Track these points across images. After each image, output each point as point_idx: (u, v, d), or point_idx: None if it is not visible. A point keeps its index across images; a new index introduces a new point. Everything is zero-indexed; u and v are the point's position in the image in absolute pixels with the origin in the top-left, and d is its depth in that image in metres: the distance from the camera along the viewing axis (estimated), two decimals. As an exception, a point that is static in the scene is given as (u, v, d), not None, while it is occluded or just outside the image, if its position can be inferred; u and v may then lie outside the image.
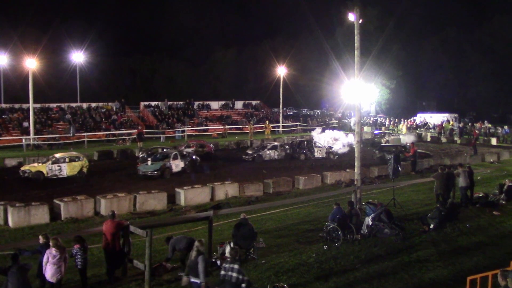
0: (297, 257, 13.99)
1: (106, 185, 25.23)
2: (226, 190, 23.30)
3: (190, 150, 33.27)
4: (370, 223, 16.15)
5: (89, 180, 26.97)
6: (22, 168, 27.36)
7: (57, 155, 28.42)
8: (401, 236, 15.66)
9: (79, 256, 11.63)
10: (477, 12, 71.70)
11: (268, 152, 34.61)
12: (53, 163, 27.32)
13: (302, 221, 18.68)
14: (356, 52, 18.97)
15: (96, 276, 12.74)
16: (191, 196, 21.98)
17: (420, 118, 61.71)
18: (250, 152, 34.98)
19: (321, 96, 71.60)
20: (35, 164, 27.97)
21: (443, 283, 12.20)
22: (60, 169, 27.38)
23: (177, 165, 28.81)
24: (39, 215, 18.63)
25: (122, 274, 12.70)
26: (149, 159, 28.78)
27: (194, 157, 30.87)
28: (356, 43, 18.89)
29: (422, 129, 55.13)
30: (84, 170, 28.12)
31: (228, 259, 10.58)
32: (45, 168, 26.99)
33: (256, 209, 19.77)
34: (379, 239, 15.64)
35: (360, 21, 19.05)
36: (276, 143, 37.49)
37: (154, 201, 21.09)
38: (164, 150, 31.50)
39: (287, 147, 36.64)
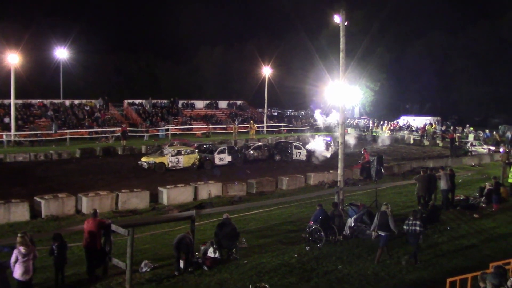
0: (279, 257, 14.03)
1: (88, 183, 24.98)
2: (209, 189, 23.21)
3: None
4: (353, 224, 16.27)
5: (70, 177, 26.69)
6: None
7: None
8: (382, 238, 15.78)
9: (56, 253, 11.49)
10: (461, 16, 72.43)
11: (251, 152, 34.50)
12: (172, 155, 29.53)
13: (285, 221, 18.72)
14: (341, 54, 19.08)
15: (77, 274, 12.63)
16: (174, 195, 21.87)
17: (403, 120, 62.24)
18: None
19: (306, 97, 71.76)
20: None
21: (423, 284, 12.34)
22: (178, 161, 29.57)
23: (221, 158, 31.46)
24: (19, 212, 18.35)
25: (103, 273, 12.60)
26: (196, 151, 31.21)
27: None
28: (342, 45, 18.99)
29: (405, 132, 55.60)
30: (196, 162, 30.28)
31: (411, 217, 13.77)
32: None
33: (239, 209, 19.77)
34: (361, 240, 15.76)
35: (346, 23, 19.16)
36: (259, 144, 37.33)
37: (137, 199, 20.92)
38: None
39: (269, 146, 36.45)
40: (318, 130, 53.14)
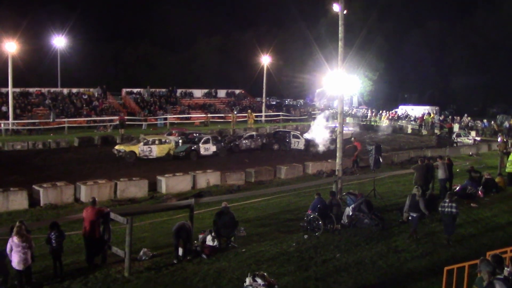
0: (278, 246, 14.08)
1: (86, 172, 24.98)
2: (208, 178, 23.25)
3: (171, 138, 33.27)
4: (351, 213, 16.31)
5: (69, 166, 26.69)
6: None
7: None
8: (380, 227, 15.86)
9: (54, 241, 11.52)
10: (459, 6, 72.22)
11: (244, 142, 34.24)
12: (144, 144, 29.37)
13: (283, 210, 18.79)
14: (340, 43, 19.03)
15: (76, 263, 12.66)
16: (172, 184, 21.91)
17: (401, 110, 62.23)
18: (226, 141, 34.25)
19: (304, 86, 71.59)
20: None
21: (421, 272, 12.39)
22: (151, 151, 29.31)
23: (207, 148, 30.69)
24: (18, 200, 18.39)
25: (102, 261, 12.64)
26: (180, 140, 31.31)
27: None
28: (340, 34, 18.93)
29: (403, 121, 55.62)
30: (171, 152, 29.98)
31: (447, 200, 14.51)
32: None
33: (238, 198, 19.79)
34: (359, 229, 15.81)
35: (345, 12, 19.08)
36: (252, 133, 36.87)
37: (135, 188, 20.96)
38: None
39: (262, 136, 36.06)
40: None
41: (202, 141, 30.74)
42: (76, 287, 11.13)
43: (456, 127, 47.33)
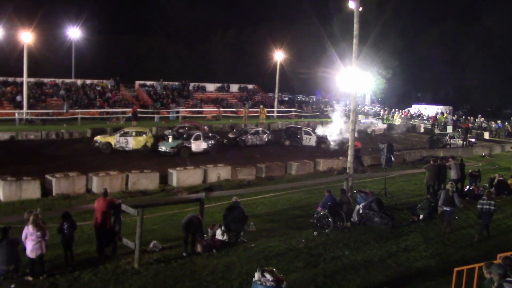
0: (287, 242, 14.10)
1: (98, 163, 25.16)
2: (219, 172, 23.32)
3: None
4: (361, 211, 16.28)
5: (81, 157, 26.89)
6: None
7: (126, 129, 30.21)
8: (390, 225, 15.82)
9: (65, 231, 11.64)
10: (475, 5, 71.50)
11: (250, 137, 34.04)
12: (120, 136, 28.84)
13: (293, 206, 18.80)
14: (354, 40, 18.91)
15: (86, 253, 12.78)
16: (183, 177, 22.01)
17: (414, 109, 61.86)
18: (231, 136, 34.21)
19: (317, 82, 71.40)
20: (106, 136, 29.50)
21: (430, 273, 12.34)
22: (127, 142, 28.80)
23: (198, 145, 29.29)
24: (31, 190, 18.61)
25: (112, 252, 12.75)
26: (170, 136, 29.83)
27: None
28: (355, 31, 18.83)
29: (416, 120, 55.30)
30: (148, 144, 29.32)
31: (485, 197, 15.16)
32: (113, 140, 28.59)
33: (248, 193, 19.85)
34: (369, 227, 15.79)
35: (360, 8, 18.97)
36: (258, 129, 36.55)
37: (146, 180, 21.09)
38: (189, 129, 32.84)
39: (268, 132, 35.93)
40: (329, 116, 52.92)
41: (193, 137, 29.43)
42: (87, 277, 11.23)
43: (449, 129, 46.79)
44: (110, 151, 28.17)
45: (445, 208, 15.69)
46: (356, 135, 38.21)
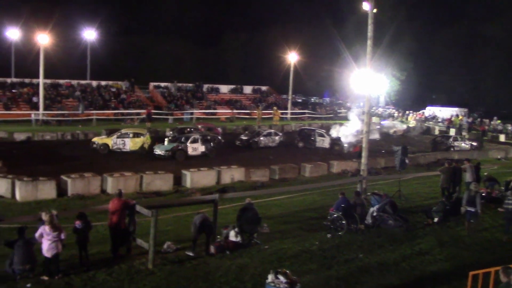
0: (300, 244, 14.08)
1: (113, 164, 25.34)
2: (232, 174, 23.37)
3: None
4: (375, 213, 16.20)
5: (96, 157, 27.11)
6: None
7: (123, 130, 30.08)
8: (404, 228, 15.71)
9: (80, 231, 11.75)
10: (490, 6, 70.66)
11: (262, 139, 34.00)
12: (118, 137, 28.67)
13: (306, 208, 18.78)
14: (368, 41, 18.87)
15: (101, 253, 12.89)
16: (197, 178, 22.10)
17: (429, 111, 61.37)
18: (243, 138, 34.20)
19: (331, 84, 71.16)
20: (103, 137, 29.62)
21: (445, 276, 12.24)
22: (124, 144, 28.64)
23: (195, 148, 28.59)
24: (46, 190, 18.83)
25: (126, 252, 12.84)
26: (166, 139, 29.32)
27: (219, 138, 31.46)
28: (369, 33, 18.78)
29: (430, 122, 54.86)
30: (146, 146, 29.13)
31: (510, 197, 15.41)
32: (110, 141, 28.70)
33: (261, 194, 19.89)
34: (383, 230, 15.70)
35: (374, 10, 18.91)
36: (271, 130, 36.47)
37: (160, 181, 21.22)
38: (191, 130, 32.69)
39: (280, 134, 35.98)
40: (343, 118, 52.86)
41: (190, 140, 28.61)
42: (101, 277, 11.32)
43: (452, 132, 46.33)
44: (108, 153, 28.24)
45: (468, 209, 15.51)
46: (377, 136, 38.93)
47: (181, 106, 49.56)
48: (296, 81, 58.24)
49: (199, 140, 28.95)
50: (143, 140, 29.37)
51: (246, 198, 15.15)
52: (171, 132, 33.13)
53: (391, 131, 45.33)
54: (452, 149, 36.31)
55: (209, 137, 30.31)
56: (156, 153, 27.77)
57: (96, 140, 29.19)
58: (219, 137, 32.13)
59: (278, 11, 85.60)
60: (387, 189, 21.01)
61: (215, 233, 13.47)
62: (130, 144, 28.91)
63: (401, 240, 14.78)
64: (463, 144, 37.61)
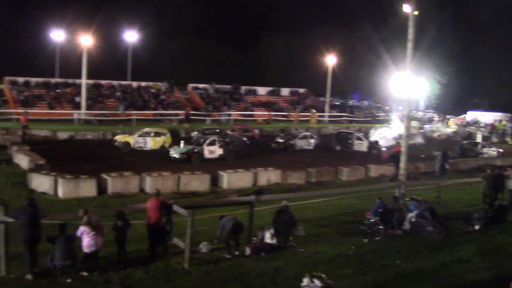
0: (336, 248, 13.96)
1: (151, 163, 25.72)
2: (269, 176, 23.37)
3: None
4: (413, 219, 15.91)
5: (135, 157, 27.57)
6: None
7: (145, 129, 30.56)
8: (444, 235, 15.37)
9: (119, 230, 11.98)
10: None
11: (298, 141, 33.78)
12: (139, 136, 29.16)
13: (343, 212, 18.61)
14: (409, 44, 18.54)
15: (138, 251, 13.10)
16: (233, 179, 22.20)
17: (471, 115, 59.88)
18: (280, 140, 33.98)
19: (369, 87, 70.34)
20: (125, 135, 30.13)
21: (485, 286, 11.94)
22: (145, 142, 29.10)
23: (212, 151, 27.82)
24: (87, 188, 19.27)
25: (163, 251, 13.02)
26: (182, 141, 28.65)
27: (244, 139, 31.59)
28: (410, 35, 18.45)
29: (472, 127, 53.51)
30: (166, 145, 29.48)
31: None
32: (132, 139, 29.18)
33: (298, 197, 19.79)
34: (421, 236, 15.40)
35: (415, 12, 18.59)
36: (306, 133, 36.12)
37: (197, 182, 21.42)
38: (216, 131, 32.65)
39: (316, 137, 35.73)
40: (381, 121, 52.29)
41: (207, 142, 27.78)
42: (138, 275, 11.50)
43: (479, 138, 44.86)
44: (129, 151, 28.80)
45: None
46: (421, 140, 38.57)
47: (219, 107, 49.91)
48: (334, 84, 57.81)
49: (217, 143, 28.19)
50: (164, 139, 29.88)
51: (283, 201, 15.12)
52: (195, 133, 33.27)
53: (435, 135, 44.61)
54: (480, 155, 35.30)
55: (228, 139, 29.80)
56: (171, 156, 27.06)
57: (118, 138, 29.72)
58: (244, 139, 32.30)
59: (317, 13, 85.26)
60: (426, 194, 20.60)
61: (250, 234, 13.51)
62: (151, 143, 29.42)
63: (440, 247, 14.46)
64: (490, 151, 36.53)
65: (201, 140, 28.32)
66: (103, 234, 11.49)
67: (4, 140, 28.59)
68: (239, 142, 31.37)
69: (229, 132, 34.22)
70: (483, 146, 37.00)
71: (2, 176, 21.34)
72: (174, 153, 27.07)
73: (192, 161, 26.52)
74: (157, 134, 30.00)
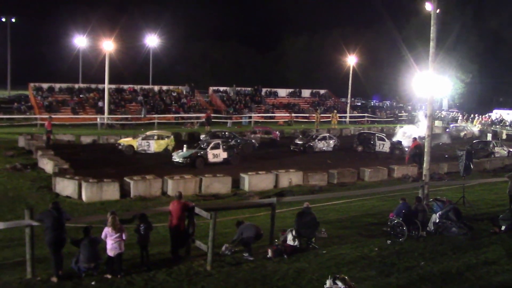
0: (359, 249, 13.82)
1: (172, 166, 25.82)
2: (290, 178, 23.31)
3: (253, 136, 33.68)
4: (437, 220, 15.67)
5: (158, 160, 27.76)
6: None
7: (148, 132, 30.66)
8: (469, 236, 15.10)
9: (142, 232, 12.06)
10: None
11: (317, 143, 33.57)
12: (142, 139, 29.31)
13: (365, 214, 18.43)
14: (431, 43, 18.30)
15: (161, 253, 13.16)
16: (255, 181, 22.20)
17: (496, 114, 58.84)
18: (299, 142, 33.81)
19: (391, 87, 69.70)
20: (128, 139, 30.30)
21: (513, 288, 11.69)
22: (149, 145, 29.22)
23: (216, 155, 27.20)
24: (110, 191, 19.49)
25: (186, 253, 13.05)
26: (184, 145, 28.25)
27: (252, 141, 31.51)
28: (432, 34, 18.21)
29: (497, 126, 52.57)
30: (169, 148, 29.58)
31: None
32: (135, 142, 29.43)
33: (319, 198, 19.66)
34: (446, 237, 15.15)
35: (438, 10, 18.37)
36: (325, 134, 35.95)
37: (219, 184, 21.48)
38: (225, 134, 32.78)
39: (335, 138, 35.44)
40: (404, 121, 51.82)
41: (210, 146, 27.09)
42: (161, 277, 11.56)
43: (489, 137, 43.84)
44: (133, 153, 28.95)
45: None
46: (447, 139, 38.24)
47: (239, 110, 50.03)
48: (355, 84, 57.50)
49: (221, 146, 27.54)
50: (167, 142, 30.02)
51: (304, 202, 15.03)
52: (203, 135, 33.34)
53: (462, 134, 44.17)
54: (492, 155, 34.53)
55: (233, 143, 29.68)
56: (174, 160, 26.47)
57: (122, 141, 29.91)
58: (253, 141, 32.21)
59: (338, 14, 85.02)
60: (451, 195, 20.30)
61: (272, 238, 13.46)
62: (155, 146, 29.57)
63: (465, 248, 14.20)
64: (502, 151, 35.69)
65: (205, 144, 27.84)
66: (124, 237, 11.56)
67: (29, 145, 29.10)
68: (246, 144, 31.29)
69: (249, 134, 34.30)
70: (494, 146, 36.29)
71: (28, 181, 21.74)
72: (177, 158, 26.53)
73: (196, 166, 25.83)
74: (160, 137, 30.20)
